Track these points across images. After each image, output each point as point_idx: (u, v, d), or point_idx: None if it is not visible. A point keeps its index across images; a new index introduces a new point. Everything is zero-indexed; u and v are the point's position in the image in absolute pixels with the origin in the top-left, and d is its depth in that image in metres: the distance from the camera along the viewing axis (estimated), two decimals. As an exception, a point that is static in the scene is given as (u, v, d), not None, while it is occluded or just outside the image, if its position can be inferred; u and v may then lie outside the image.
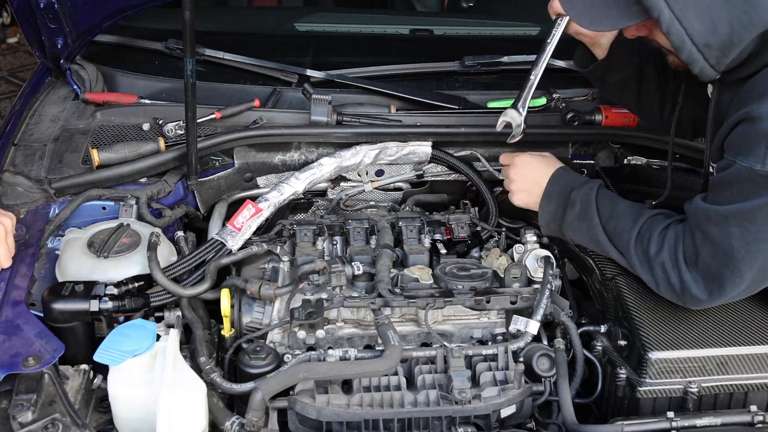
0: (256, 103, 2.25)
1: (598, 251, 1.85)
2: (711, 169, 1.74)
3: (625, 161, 2.26)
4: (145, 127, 2.22)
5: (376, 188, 2.31)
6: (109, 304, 1.70)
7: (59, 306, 1.68)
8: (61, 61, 2.41)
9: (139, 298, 1.77)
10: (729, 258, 1.58)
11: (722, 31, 1.51)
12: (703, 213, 1.62)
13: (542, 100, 2.32)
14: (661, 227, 1.72)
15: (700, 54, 1.54)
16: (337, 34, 2.93)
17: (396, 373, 1.67)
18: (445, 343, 1.77)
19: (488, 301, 1.83)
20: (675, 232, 1.69)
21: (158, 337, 1.62)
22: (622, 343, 1.78)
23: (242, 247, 1.95)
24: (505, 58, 2.52)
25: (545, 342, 1.84)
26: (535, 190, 1.93)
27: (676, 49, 1.56)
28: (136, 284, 1.78)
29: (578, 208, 1.83)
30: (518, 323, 1.81)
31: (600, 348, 1.83)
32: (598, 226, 1.80)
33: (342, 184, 2.30)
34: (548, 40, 1.81)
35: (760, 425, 1.64)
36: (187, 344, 1.79)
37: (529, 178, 1.94)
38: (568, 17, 1.75)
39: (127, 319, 1.77)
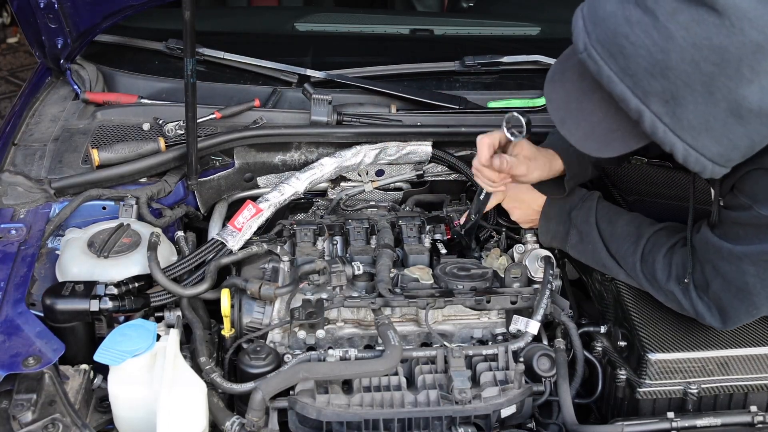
0: (257, 103, 2.25)
1: (607, 273, 1.85)
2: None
3: (625, 161, 2.25)
4: (145, 127, 2.21)
5: (376, 188, 2.31)
6: (109, 304, 1.70)
7: (59, 306, 1.68)
8: (61, 61, 2.40)
9: (139, 298, 1.77)
10: (744, 293, 1.59)
11: (742, 144, 1.37)
12: (715, 249, 1.60)
13: (542, 100, 2.32)
14: (664, 250, 1.72)
15: (723, 168, 1.41)
16: (337, 34, 2.92)
17: (396, 373, 1.67)
18: (445, 343, 1.78)
19: (488, 301, 1.83)
20: (682, 258, 1.69)
21: (158, 337, 1.62)
22: (622, 343, 1.78)
23: (242, 247, 1.94)
24: (505, 58, 2.51)
25: (545, 342, 1.84)
26: (530, 210, 1.94)
27: (698, 173, 1.42)
28: (136, 284, 1.78)
29: (579, 231, 1.84)
30: (518, 323, 1.81)
31: (600, 348, 1.84)
32: (603, 249, 1.81)
33: (342, 184, 2.29)
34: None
35: (760, 425, 1.64)
36: (187, 344, 1.79)
37: (525, 203, 1.95)
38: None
39: (127, 319, 1.77)
